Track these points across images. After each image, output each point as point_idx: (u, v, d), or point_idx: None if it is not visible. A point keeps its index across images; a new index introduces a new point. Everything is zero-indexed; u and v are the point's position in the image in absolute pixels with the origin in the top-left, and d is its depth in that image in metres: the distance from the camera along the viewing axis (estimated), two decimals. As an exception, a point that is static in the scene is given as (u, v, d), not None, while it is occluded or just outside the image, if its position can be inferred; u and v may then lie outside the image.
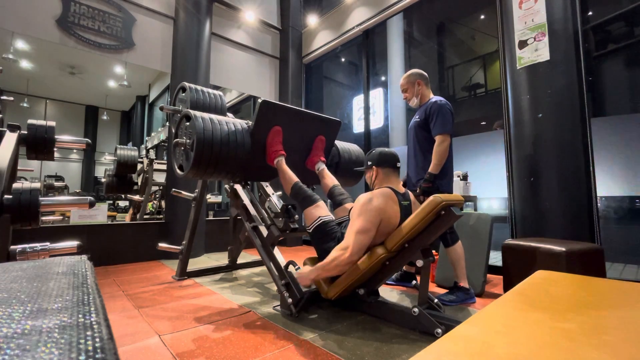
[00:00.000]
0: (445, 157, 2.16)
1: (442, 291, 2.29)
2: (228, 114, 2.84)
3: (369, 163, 1.93)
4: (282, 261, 2.00)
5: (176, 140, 2.10)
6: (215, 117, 2.13)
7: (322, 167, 2.39)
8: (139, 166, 5.42)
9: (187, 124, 2.10)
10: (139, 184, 5.45)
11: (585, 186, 2.34)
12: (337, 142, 2.83)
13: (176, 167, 2.24)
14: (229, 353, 1.43)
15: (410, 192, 1.95)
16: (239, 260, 3.26)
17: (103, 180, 5.40)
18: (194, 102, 2.66)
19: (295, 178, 2.11)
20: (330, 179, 2.31)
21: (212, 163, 2.03)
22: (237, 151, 2.09)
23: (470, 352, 0.52)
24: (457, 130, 5.18)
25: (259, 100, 2.11)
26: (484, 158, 3.29)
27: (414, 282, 1.82)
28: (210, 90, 2.84)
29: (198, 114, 2.06)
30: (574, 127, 2.37)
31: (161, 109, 2.76)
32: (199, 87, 2.78)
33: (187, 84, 2.76)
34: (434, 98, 2.30)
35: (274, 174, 2.34)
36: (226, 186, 2.55)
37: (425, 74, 2.41)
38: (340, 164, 2.81)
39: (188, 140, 2.06)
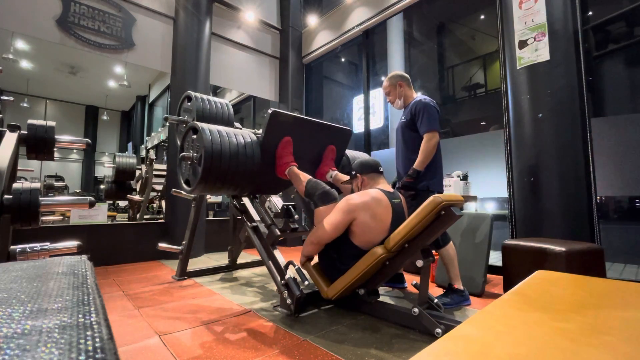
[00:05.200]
0: (432, 154, 2.09)
1: (442, 291, 2.29)
2: (235, 124, 2.78)
3: (353, 173, 2.00)
4: (282, 261, 2.00)
5: (182, 154, 2.01)
6: (224, 129, 2.05)
7: (334, 172, 2.34)
8: (137, 172, 5.50)
9: (194, 136, 2.02)
10: (137, 189, 5.53)
11: (585, 186, 2.34)
12: (347, 151, 2.78)
13: (182, 182, 2.17)
14: (229, 353, 1.43)
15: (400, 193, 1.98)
16: (239, 260, 3.26)
17: (102, 187, 5.50)
18: (199, 112, 2.58)
19: (308, 176, 2.03)
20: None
21: (220, 178, 1.96)
22: (246, 165, 2.01)
23: (470, 352, 0.52)
24: (457, 131, 5.20)
25: (269, 111, 2.03)
26: (490, 158, 3.29)
27: (414, 281, 1.83)
28: (217, 99, 2.77)
29: (205, 126, 1.98)
30: (573, 127, 2.37)
31: (165, 119, 2.70)
32: (204, 96, 2.71)
33: (192, 93, 2.68)
34: (418, 97, 2.25)
35: (284, 185, 2.28)
36: None
37: (407, 75, 2.38)
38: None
39: (195, 154, 1.98)
